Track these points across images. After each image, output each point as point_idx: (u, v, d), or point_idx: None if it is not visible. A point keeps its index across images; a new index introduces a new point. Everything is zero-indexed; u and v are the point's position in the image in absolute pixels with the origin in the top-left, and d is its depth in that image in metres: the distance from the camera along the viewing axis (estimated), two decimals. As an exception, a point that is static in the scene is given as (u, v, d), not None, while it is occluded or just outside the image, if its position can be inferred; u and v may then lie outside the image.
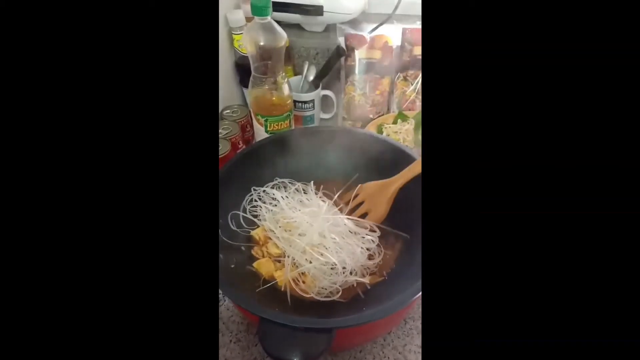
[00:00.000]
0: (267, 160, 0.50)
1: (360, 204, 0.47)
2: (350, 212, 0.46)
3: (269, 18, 0.50)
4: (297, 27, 0.76)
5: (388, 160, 0.47)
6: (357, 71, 0.66)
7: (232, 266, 0.40)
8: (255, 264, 0.42)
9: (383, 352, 0.40)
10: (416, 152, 0.46)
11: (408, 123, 0.64)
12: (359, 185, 0.48)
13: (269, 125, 0.58)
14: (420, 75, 0.65)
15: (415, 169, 0.43)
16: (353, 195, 0.48)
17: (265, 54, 0.53)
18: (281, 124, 0.58)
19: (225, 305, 0.45)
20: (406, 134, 0.63)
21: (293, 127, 0.61)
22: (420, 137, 0.62)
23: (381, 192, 0.45)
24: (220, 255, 0.40)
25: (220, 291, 0.46)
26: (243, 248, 0.44)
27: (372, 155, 0.49)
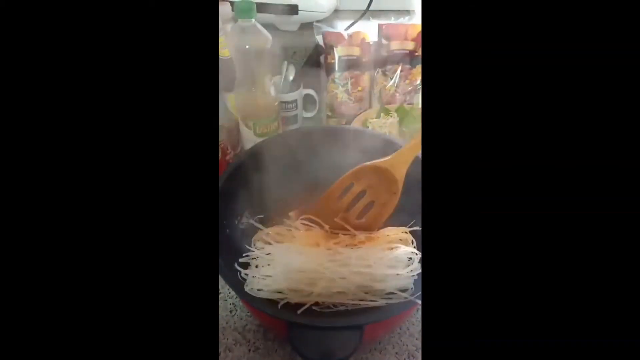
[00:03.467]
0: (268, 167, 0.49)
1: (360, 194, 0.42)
2: (350, 205, 0.42)
3: (253, 20, 0.49)
4: (271, 26, 0.75)
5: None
6: (337, 68, 0.66)
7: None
8: None
9: (401, 341, 0.42)
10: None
11: (391, 117, 0.66)
12: (353, 170, 0.41)
13: (257, 128, 0.57)
14: (399, 69, 0.67)
15: (415, 147, 0.39)
16: (343, 184, 0.41)
17: (250, 57, 0.52)
18: (270, 126, 0.58)
19: (238, 315, 0.44)
20: (391, 128, 0.64)
21: (281, 130, 0.61)
22: (404, 129, 0.64)
23: (385, 181, 0.39)
24: (235, 265, 0.39)
25: (232, 301, 0.46)
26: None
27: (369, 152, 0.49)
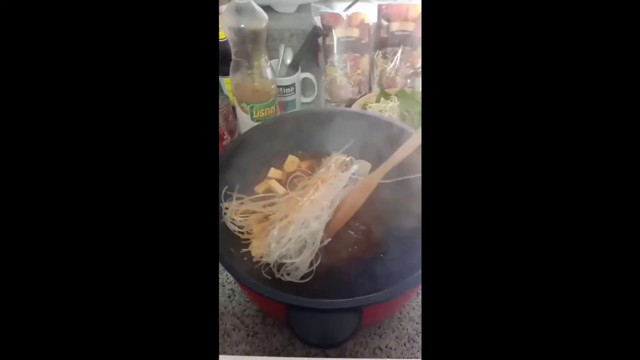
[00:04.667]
0: (263, 145, 0.48)
1: None
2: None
3: (248, -1, 0.48)
4: (267, 8, 0.73)
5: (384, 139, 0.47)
6: (336, 51, 0.65)
7: (245, 259, 0.39)
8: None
9: (401, 325, 0.41)
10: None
11: (391, 101, 0.64)
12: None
13: (254, 112, 0.56)
14: (400, 51, 0.65)
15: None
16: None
17: (246, 37, 0.50)
18: (267, 111, 0.57)
19: (237, 300, 0.44)
20: (391, 112, 0.63)
21: (279, 113, 0.60)
22: (405, 113, 0.63)
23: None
24: (231, 249, 0.39)
25: (231, 287, 0.45)
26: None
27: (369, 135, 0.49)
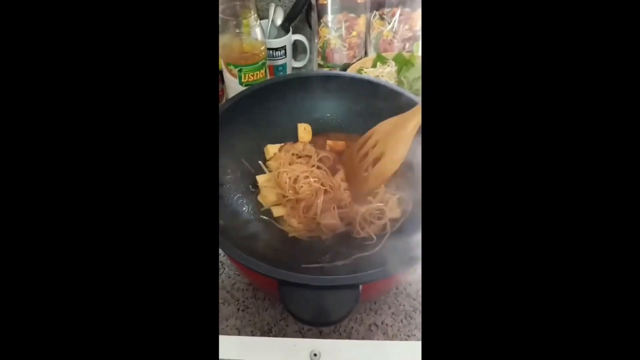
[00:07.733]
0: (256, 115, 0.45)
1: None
2: (363, 157, 0.42)
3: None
4: (257, -37, 0.67)
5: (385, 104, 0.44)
6: (330, 11, 0.61)
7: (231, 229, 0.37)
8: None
9: (398, 301, 0.40)
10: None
11: (388, 65, 0.61)
12: (375, 127, 0.43)
13: (243, 76, 0.52)
14: (398, 12, 0.61)
15: None
16: (366, 137, 0.43)
17: (234, -7, 0.46)
18: (257, 74, 0.53)
19: (226, 273, 0.42)
20: (388, 77, 0.60)
21: (268, 77, 0.56)
22: (403, 79, 0.59)
23: (398, 130, 0.39)
24: (221, 222, 0.36)
25: (220, 259, 0.43)
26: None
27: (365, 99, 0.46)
